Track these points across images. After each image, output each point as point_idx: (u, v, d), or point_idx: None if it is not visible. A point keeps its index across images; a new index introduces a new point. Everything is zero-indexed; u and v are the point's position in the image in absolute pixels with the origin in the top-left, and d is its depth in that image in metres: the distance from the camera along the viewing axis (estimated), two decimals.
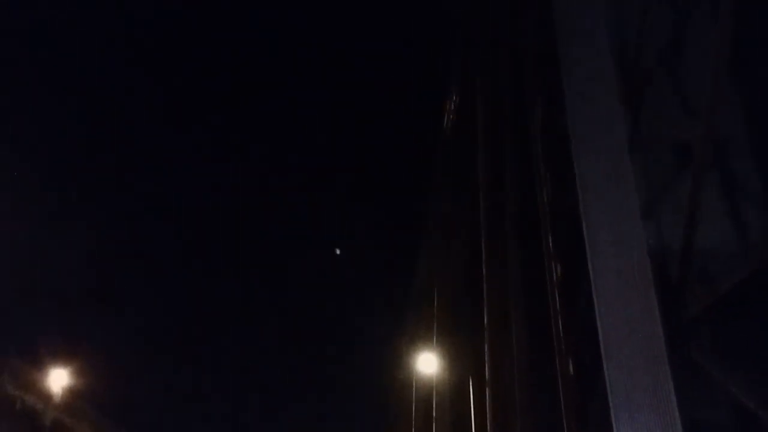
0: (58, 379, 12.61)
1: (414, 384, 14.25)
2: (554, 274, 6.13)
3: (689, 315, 4.07)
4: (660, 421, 3.86)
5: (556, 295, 6.06)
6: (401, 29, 10.37)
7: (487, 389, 7.77)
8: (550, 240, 6.30)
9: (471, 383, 9.09)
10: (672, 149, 4.55)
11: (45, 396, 12.64)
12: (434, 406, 12.04)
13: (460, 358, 10.34)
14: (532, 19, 7.16)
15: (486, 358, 7.87)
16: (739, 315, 3.68)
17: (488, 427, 7.61)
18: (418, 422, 13.85)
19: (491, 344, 7.84)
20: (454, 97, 12.35)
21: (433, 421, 11.85)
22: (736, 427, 3.89)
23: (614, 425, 3.92)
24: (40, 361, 12.12)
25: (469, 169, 10.19)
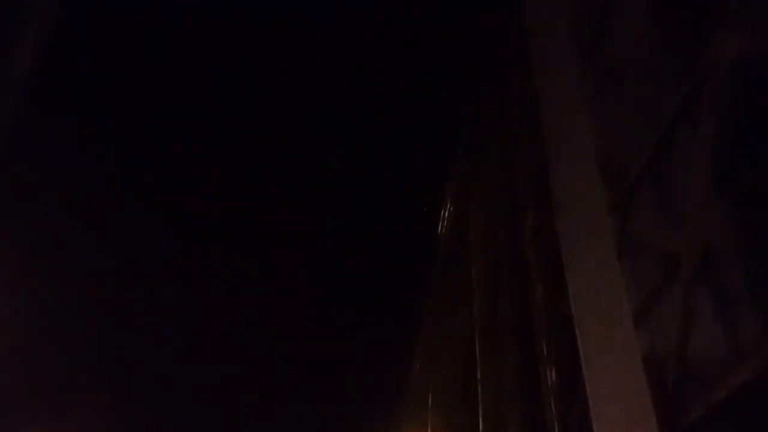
0: None
1: None
2: (549, 379, 6.03)
3: (685, 423, 3.97)
4: None
5: (552, 401, 5.95)
6: (396, 139, 10.49)
7: None
8: (545, 345, 6.23)
9: None
10: (661, 256, 4.53)
11: None
12: None
13: None
14: (522, 131, 7.28)
15: None
16: (734, 425, 3.59)
17: None
18: None
19: None
20: (449, 206, 12.45)
21: None
22: None
23: None
24: None
25: (464, 274, 10.18)
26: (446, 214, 12.72)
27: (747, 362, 3.58)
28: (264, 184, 11.62)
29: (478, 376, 8.44)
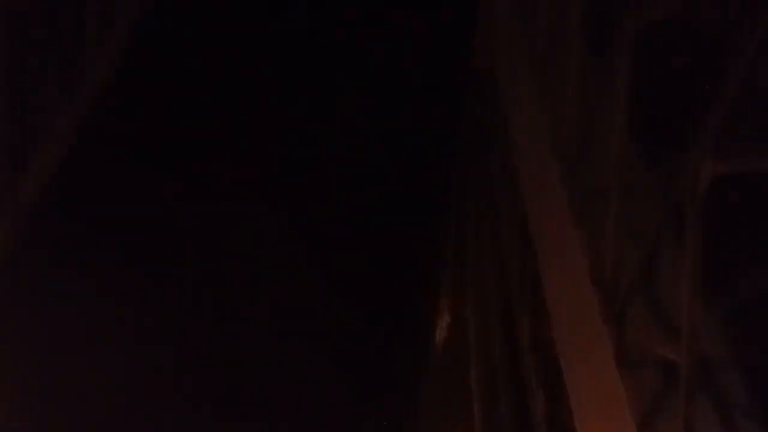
0: None
1: None
2: None
3: None
4: None
5: None
6: (390, 241, 10.65)
7: None
8: None
9: None
10: (659, 364, 4.63)
11: None
12: None
13: None
14: (512, 245, 7.47)
15: None
16: None
17: None
18: None
19: None
20: (446, 315, 12.53)
21: None
22: None
23: None
24: None
25: (462, 384, 10.19)
26: (442, 323, 12.80)
27: None
28: None
29: None
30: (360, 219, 10.11)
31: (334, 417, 10.68)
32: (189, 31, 10.54)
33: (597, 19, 5.99)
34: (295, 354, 10.36)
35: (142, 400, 9.41)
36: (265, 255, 10.19)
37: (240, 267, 10.20)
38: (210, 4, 10.85)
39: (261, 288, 10.25)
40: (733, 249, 3.85)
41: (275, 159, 10.42)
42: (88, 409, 8.87)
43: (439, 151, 9.88)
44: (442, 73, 9.94)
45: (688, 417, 4.18)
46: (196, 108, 10.40)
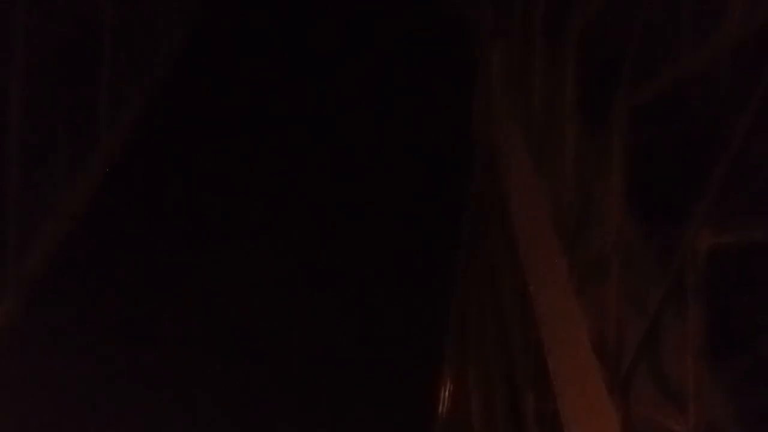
0: None
1: None
2: None
3: None
4: None
5: None
6: (394, 314, 10.62)
7: None
8: None
9: None
10: None
11: None
12: None
13: None
14: (514, 317, 7.47)
15: None
16: None
17: None
18: None
19: None
20: (449, 384, 12.43)
21: None
22: None
23: None
24: None
25: None
26: (445, 394, 12.67)
27: None
28: None
29: None
30: (366, 293, 10.13)
31: None
32: (196, 109, 10.77)
33: (591, 97, 6.12)
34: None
35: None
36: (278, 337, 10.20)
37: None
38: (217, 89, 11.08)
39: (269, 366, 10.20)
40: (735, 317, 3.87)
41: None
42: None
43: (444, 225, 9.96)
44: (444, 150, 10.11)
45: None
46: (202, 181, 10.51)
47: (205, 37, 10.90)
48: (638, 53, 5.31)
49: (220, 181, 10.52)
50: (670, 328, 4.35)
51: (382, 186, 10.32)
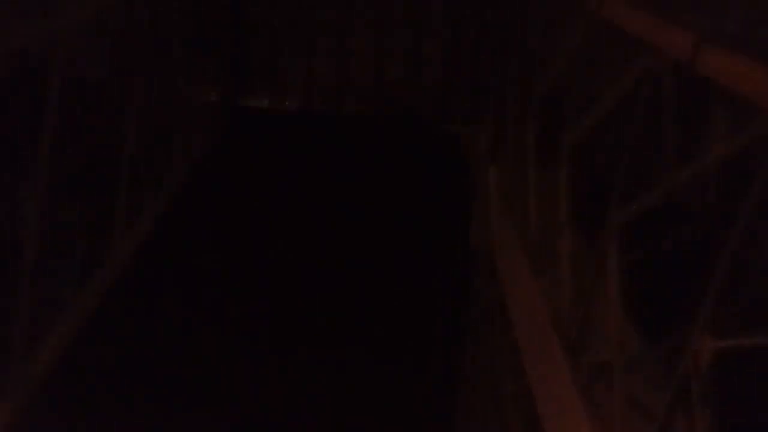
0: None
1: None
2: None
3: None
4: None
5: None
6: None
7: None
8: None
9: None
10: None
11: None
12: None
13: None
14: (520, 413, 7.55)
15: None
16: None
17: None
18: None
19: None
20: None
21: None
22: None
23: None
24: None
25: None
26: None
27: None
28: None
29: None
30: (366, 394, 10.17)
31: None
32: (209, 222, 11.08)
33: (584, 211, 6.43)
34: None
35: None
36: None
37: None
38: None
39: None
40: (742, 421, 4.02)
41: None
42: None
43: (443, 331, 10.13)
44: (445, 256, 10.41)
45: None
46: (207, 302, 10.62)
47: (217, 170, 11.32)
48: (627, 169, 5.64)
49: (221, 304, 10.66)
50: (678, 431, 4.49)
51: (386, 291, 10.55)
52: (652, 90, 5.18)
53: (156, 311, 10.04)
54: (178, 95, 10.09)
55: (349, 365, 10.14)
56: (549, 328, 6.53)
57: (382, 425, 9.77)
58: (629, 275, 5.47)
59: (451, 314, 9.91)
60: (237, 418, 9.65)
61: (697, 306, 4.30)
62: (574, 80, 6.88)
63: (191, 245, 10.70)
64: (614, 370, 5.28)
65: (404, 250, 10.78)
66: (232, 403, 9.78)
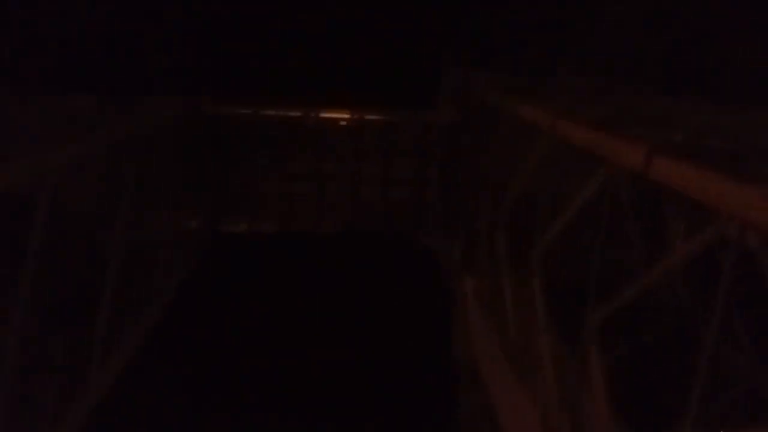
0: None
1: None
2: None
3: None
4: None
5: None
6: None
7: None
8: None
9: None
10: None
11: None
12: None
13: None
14: None
15: None
16: None
17: None
18: None
19: None
20: None
21: None
22: None
23: None
24: None
25: None
26: None
27: None
28: None
29: None
30: None
31: None
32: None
33: (562, 312, 6.49)
34: None
35: None
36: None
37: None
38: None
39: None
40: None
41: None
42: None
43: None
44: (426, 367, 10.34)
45: None
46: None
47: (202, 284, 11.30)
48: (599, 274, 5.74)
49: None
50: None
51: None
52: (612, 198, 5.33)
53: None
54: (161, 224, 10.18)
55: None
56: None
57: None
58: (613, 374, 5.48)
59: (438, 425, 9.75)
60: None
61: (683, 403, 4.32)
62: (538, 193, 7.06)
63: (171, 371, 10.55)
64: None
65: (384, 365, 10.70)
66: None
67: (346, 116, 11.68)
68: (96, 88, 9.73)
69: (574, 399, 5.94)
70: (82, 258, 8.09)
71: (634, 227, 5.78)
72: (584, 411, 5.84)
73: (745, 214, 3.78)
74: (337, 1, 13.12)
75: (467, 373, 8.77)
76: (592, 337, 5.63)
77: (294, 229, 12.31)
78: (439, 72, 12.16)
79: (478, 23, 12.78)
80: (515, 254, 7.54)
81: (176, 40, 12.55)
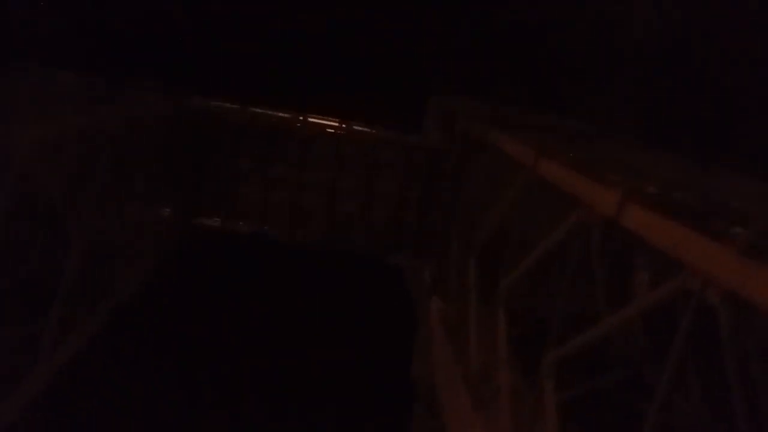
0: None
1: None
2: None
3: None
4: None
5: None
6: None
7: None
8: None
9: None
10: None
11: None
12: None
13: None
14: None
15: None
16: None
17: None
18: None
19: None
20: None
21: None
22: None
23: None
24: None
25: None
26: None
27: None
28: None
29: None
30: None
31: None
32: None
33: (523, 346, 6.54)
34: None
35: None
36: None
37: None
38: None
39: None
40: None
41: None
42: None
43: None
44: (385, 386, 10.33)
45: None
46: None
47: (166, 275, 11.22)
48: (561, 311, 5.81)
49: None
50: None
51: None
52: (583, 242, 5.41)
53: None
54: (130, 213, 10.10)
55: None
56: None
57: None
58: (567, 412, 5.52)
59: None
60: None
61: None
62: (512, 228, 7.14)
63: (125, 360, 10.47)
64: None
65: (342, 378, 10.70)
66: None
67: (335, 124, 11.65)
68: (85, 69, 9.70)
69: (528, 427, 5.98)
70: (45, 240, 8.03)
71: (601, 271, 5.85)
72: None
73: (708, 270, 3.86)
74: (339, 3, 13.18)
75: (424, 395, 8.79)
76: (549, 374, 5.67)
77: (269, 232, 12.23)
78: (427, 97, 12.26)
79: (467, 53, 12.93)
80: (485, 284, 7.59)
81: (172, 32, 12.52)
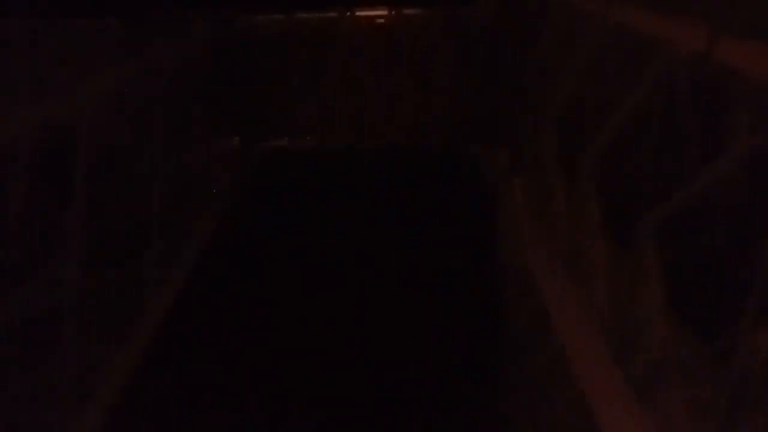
0: None
1: None
2: None
3: None
4: None
5: None
6: None
7: None
8: None
9: None
10: None
11: None
12: None
13: None
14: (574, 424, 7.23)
15: None
16: None
17: None
18: None
19: None
20: None
21: None
22: None
23: None
24: None
25: None
26: None
27: None
28: None
29: None
30: None
31: None
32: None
33: (616, 213, 6.17)
34: None
35: None
36: None
37: None
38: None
39: None
40: None
41: None
42: None
43: (479, 348, 9.78)
44: (476, 272, 10.13)
45: None
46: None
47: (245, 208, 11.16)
48: (654, 171, 5.39)
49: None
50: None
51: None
52: (670, 89, 4.93)
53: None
54: (199, 146, 10.03)
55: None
56: (596, 334, 6.24)
57: None
58: (670, 276, 5.20)
59: (487, 330, 9.59)
60: None
61: (746, 301, 4.04)
62: (590, 89, 6.64)
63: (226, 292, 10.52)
64: (667, 370, 5.00)
65: (432, 272, 10.52)
66: None
67: (383, 13, 11.14)
68: (117, 11, 9.40)
69: (629, 301, 5.68)
70: (124, 189, 7.97)
71: (691, 121, 5.35)
72: (640, 313, 5.58)
73: None
74: None
75: (517, 279, 8.55)
76: (647, 238, 5.32)
77: (333, 144, 11.97)
78: None
79: None
80: (566, 156, 7.17)
81: None
